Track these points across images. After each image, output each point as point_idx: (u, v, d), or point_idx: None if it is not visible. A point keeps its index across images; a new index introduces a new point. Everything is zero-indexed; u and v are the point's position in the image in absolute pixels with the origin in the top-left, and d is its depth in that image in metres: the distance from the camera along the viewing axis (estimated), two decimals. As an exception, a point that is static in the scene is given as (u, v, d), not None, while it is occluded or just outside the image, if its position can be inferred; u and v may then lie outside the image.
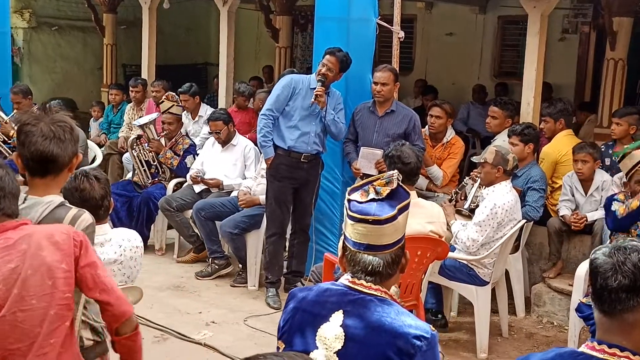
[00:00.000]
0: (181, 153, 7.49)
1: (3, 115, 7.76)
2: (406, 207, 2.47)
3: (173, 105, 7.50)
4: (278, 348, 2.57)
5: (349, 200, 2.47)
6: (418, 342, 2.29)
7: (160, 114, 7.71)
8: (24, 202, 2.66)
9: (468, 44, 11.50)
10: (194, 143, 7.75)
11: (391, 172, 2.56)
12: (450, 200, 5.74)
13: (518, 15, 10.35)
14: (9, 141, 7.33)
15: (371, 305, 2.38)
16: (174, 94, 7.79)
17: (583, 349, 2.03)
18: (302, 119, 5.90)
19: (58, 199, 2.72)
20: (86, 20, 11.95)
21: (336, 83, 5.94)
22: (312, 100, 5.72)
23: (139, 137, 7.56)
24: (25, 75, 11.67)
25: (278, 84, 6.13)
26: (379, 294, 2.42)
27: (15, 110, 8.24)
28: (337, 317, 2.39)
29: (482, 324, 5.22)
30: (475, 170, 5.62)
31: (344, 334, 2.36)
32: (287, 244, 6.37)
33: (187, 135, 7.89)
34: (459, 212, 5.55)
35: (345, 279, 2.48)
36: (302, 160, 5.93)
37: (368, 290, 2.42)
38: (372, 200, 2.45)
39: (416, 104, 10.38)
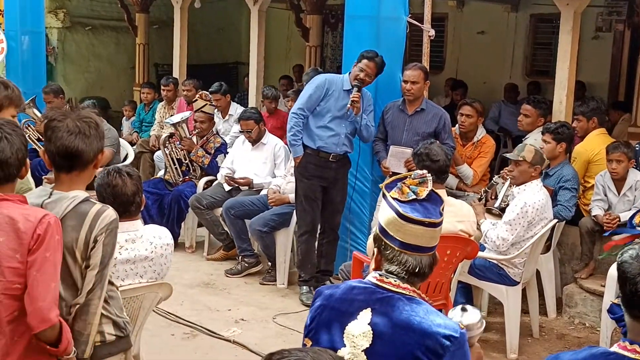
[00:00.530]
0: (212, 152, 7.53)
1: (38, 113, 7.88)
2: (443, 210, 2.49)
3: (206, 104, 7.55)
4: (304, 345, 2.56)
5: (395, 199, 2.45)
6: (447, 342, 2.27)
7: (192, 112, 7.76)
8: (49, 197, 2.72)
9: (500, 42, 11.41)
10: (226, 142, 7.78)
11: (421, 171, 2.55)
12: (479, 200, 5.70)
13: (550, 14, 10.27)
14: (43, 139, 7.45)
15: (399, 303, 2.37)
16: (207, 93, 7.84)
17: (615, 348, 2.00)
18: (333, 120, 5.89)
19: (83, 194, 2.75)
20: (119, 20, 12.08)
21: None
22: (349, 105, 5.70)
23: (171, 135, 7.62)
24: (59, 75, 11.82)
25: (311, 83, 6.09)
26: (407, 293, 2.40)
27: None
28: (365, 315, 2.38)
29: (512, 324, 5.18)
30: (506, 168, 5.56)
31: (371, 332, 2.35)
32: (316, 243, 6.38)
33: (218, 134, 7.92)
34: (489, 211, 5.51)
35: (373, 277, 2.47)
36: (330, 160, 5.93)
37: (396, 289, 2.40)
38: (414, 200, 2.44)
39: (446, 102, 10.32)
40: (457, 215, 4.60)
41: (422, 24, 6.27)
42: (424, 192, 2.45)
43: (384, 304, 2.38)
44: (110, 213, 2.72)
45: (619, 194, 5.72)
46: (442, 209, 2.48)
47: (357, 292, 2.46)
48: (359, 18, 6.26)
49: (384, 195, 2.50)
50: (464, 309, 2.78)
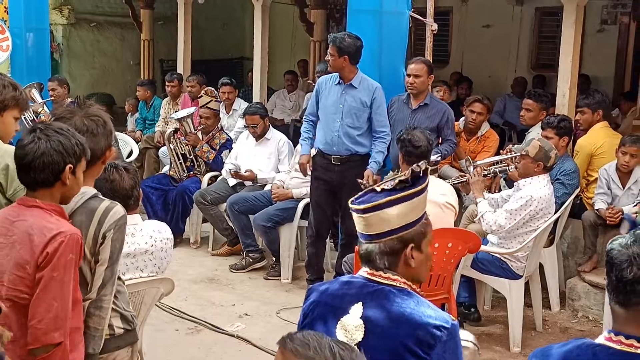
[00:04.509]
0: (217, 147, 7.54)
1: (37, 96, 8.00)
2: (398, 201, 2.41)
3: (211, 100, 7.54)
4: None
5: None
6: (438, 332, 2.28)
7: (197, 108, 7.77)
8: None
9: (504, 36, 11.37)
10: (231, 138, 7.78)
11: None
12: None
13: (555, 7, 10.21)
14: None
15: (390, 295, 2.38)
16: (212, 89, 7.83)
17: (601, 340, 2.02)
18: (327, 117, 5.82)
19: (91, 190, 2.78)
20: (124, 16, 12.09)
21: (371, 75, 5.89)
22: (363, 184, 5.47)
23: (175, 130, 7.63)
24: (65, 71, 11.85)
25: None
26: (398, 285, 2.41)
27: (50, 97, 8.43)
28: (357, 309, 2.39)
29: (515, 317, 5.18)
30: (517, 156, 5.46)
31: (363, 325, 2.36)
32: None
33: (223, 129, 7.92)
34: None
35: (364, 271, 2.49)
36: (333, 162, 5.82)
37: (386, 281, 2.42)
38: (373, 191, 2.48)
39: (452, 97, 10.29)
40: (441, 189, 4.72)
41: (425, 17, 6.28)
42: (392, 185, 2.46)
43: (375, 297, 2.39)
44: (118, 209, 2.74)
45: (623, 187, 5.71)
46: (395, 199, 2.41)
47: (349, 286, 2.48)
48: (362, 12, 6.24)
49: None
50: None
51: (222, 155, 7.47)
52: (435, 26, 6.33)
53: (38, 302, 2.49)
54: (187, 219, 7.43)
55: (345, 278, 2.57)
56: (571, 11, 6.22)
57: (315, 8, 10.72)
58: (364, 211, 2.44)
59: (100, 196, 2.80)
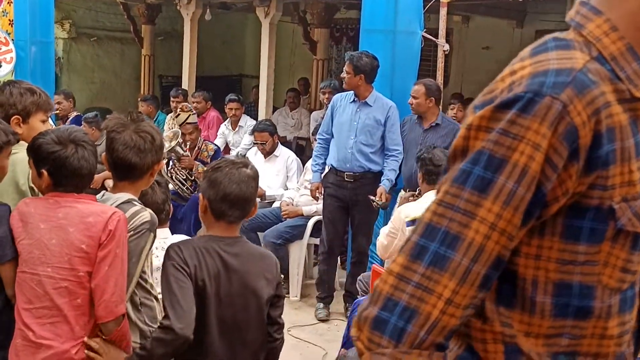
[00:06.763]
0: (208, 160, 7.43)
1: (51, 123, 7.89)
2: None
3: (189, 114, 7.40)
4: (341, 356, 2.57)
5: None
6: None
7: (179, 126, 7.61)
8: (102, 197, 2.84)
9: (505, 58, 11.27)
10: (219, 147, 7.71)
11: None
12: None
13: (556, 29, 10.32)
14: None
15: None
16: (187, 104, 7.73)
17: None
18: (341, 134, 5.84)
19: (127, 196, 2.79)
20: (124, 31, 12.13)
21: (382, 94, 5.91)
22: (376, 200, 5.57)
23: (168, 161, 7.49)
24: (64, 85, 11.82)
25: None
26: None
27: (56, 110, 8.39)
28: None
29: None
30: None
31: None
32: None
33: (209, 140, 7.79)
34: None
35: None
36: (346, 179, 5.82)
37: None
38: None
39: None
40: None
41: (436, 38, 6.31)
42: None
43: None
44: (145, 215, 2.74)
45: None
46: None
47: None
48: (375, 32, 6.29)
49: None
50: None
51: (213, 169, 7.36)
52: (447, 47, 6.37)
53: (106, 277, 2.58)
54: (200, 231, 7.35)
55: None
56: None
57: (319, 27, 10.76)
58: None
59: (135, 202, 2.80)
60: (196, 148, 7.49)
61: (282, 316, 3.00)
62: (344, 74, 5.81)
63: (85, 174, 2.70)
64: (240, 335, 2.75)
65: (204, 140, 7.68)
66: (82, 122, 9.57)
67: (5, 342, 2.71)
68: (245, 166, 2.75)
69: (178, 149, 7.40)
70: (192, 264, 2.62)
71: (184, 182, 7.46)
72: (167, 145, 7.35)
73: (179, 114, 7.54)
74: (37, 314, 2.62)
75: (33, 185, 3.27)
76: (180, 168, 7.43)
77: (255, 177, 2.74)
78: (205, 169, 7.12)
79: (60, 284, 2.60)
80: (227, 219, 2.71)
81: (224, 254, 2.69)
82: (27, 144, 2.85)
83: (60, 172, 2.67)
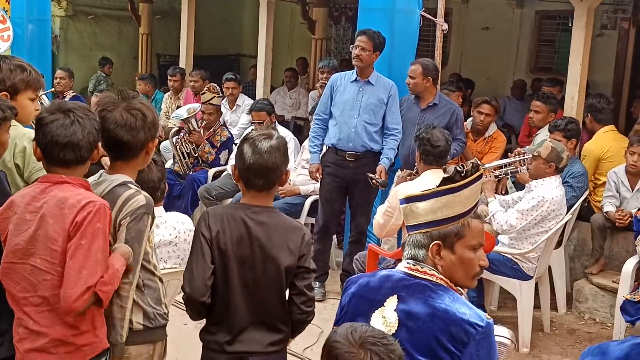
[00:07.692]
0: (219, 145, 7.52)
1: (46, 100, 7.88)
2: (428, 197, 2.42)
3: (214, 96, 7.53)
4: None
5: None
6: (472, 330, 2.27)
7: (201, 104, 7.73)
8: (98, 179, 2.80)
9: (504, 38, 11.40)
10: (232, 135, 7.75)
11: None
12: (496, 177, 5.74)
13: (556, 10, 10.28)
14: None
15: (426, 290, 2.38)
16: (215, 85, 7.81)
17: None
18: (343, 113, 5.79)
19: (122, 177, 2.76)
20: (121, 9, 12.06)
21: (381, 73, 5.88)
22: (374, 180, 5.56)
23: (179, 130, 7.59)
24: (62, 63, 11.74)
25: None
26: (434, 280, 2.41)
27: (54, 88, 8.37)
28: (392, 302, 2.40)
29: (525, 318, 5.20)
30: (527, 158, 5.49)
31: (397, 318, 2.36)
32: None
33: (225, 125, 7.88)
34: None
35: (404, 266, 2.49)
36: (347, 158, 5.80)
37: (424, 276, 2.42)
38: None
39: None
40: None
41: (434, 17, 6.27)
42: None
43: (411, 291, 2.39)
44: (140, 198, 2.71)
45: (632, 189, 5.74)
46: (425, 194, 2.46)
47: (387, 280, 2.48)
48: (373, 10, 6.22)
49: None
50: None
51: (220, 156, 7.44)
52: (445, 26, 6.31)
53: (67, 270, 2.52)
54: (197, 210, 7.35)
55: (384, 272, 2.56)
56: (582, 14, 6.26)
57: (318, 6, 10.71)
58: (401, 201, 2.47)
59: (131, 184, 2.77)
60: (211, 130, 7.55)
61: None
62: (357, 50, 5.66)
63: (64, 142, 2.59)
64: (261, 297, 2.90)
65: (222, 125, 7.71)
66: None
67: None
68: (270, 137, 2.85)
69: (193, 121, 7.45)
70: (215, 229, 2.84)
71: (186, 155, 7.49)
72: (185, 115, 7.42)
73: (204, 92, 7.65)
74: (35, 302, 2.60)
75: (18, 163, 3.26)
76: (188, 141, 7.47)
77: (279, 147, 2.84)
78: (210, 150, 7.29)
79: (44, 276, 2.57)
80: (254, 187, 2.86)
81: (249, 220, 2.85)
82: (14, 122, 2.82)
83: (43, 142, 2.62)
